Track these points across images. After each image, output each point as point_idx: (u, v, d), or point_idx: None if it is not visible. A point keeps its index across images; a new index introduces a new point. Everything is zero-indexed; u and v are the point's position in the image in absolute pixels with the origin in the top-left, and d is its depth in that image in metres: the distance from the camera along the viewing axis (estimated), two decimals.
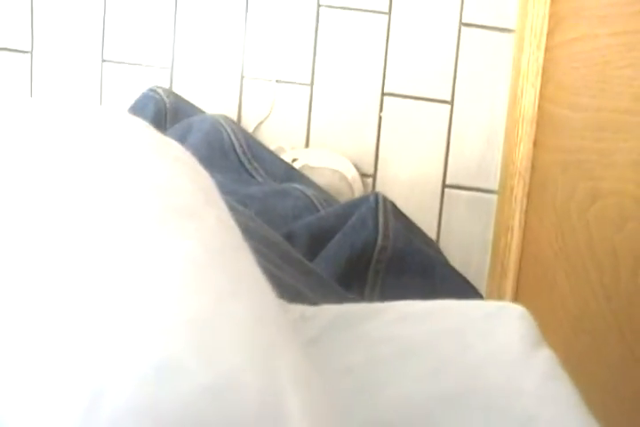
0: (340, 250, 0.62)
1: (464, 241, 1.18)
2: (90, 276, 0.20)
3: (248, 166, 0.78)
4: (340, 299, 0.52)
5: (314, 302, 0.46)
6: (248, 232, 0.48)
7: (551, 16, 0.99)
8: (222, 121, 0.82)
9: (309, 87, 1.16)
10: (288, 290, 0.45)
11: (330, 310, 0.34)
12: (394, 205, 0.68)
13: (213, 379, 0.18)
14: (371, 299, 0.60)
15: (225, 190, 0.70)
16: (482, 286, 1.15)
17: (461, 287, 0.67)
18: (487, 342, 0.32)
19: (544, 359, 0.32)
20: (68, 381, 0.17)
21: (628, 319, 0.71)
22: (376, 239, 0.62)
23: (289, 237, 0.63)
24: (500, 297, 1.07)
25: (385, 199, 0.66)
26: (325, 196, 0.77)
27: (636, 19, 0.75)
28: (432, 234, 1.17)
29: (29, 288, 0.19)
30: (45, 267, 0.20)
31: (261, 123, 1.16)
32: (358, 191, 1.11)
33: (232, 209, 0.51)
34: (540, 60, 1.01)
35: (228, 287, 0.22)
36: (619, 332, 0.73)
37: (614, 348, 0.74)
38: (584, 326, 0.81)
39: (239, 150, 0.79)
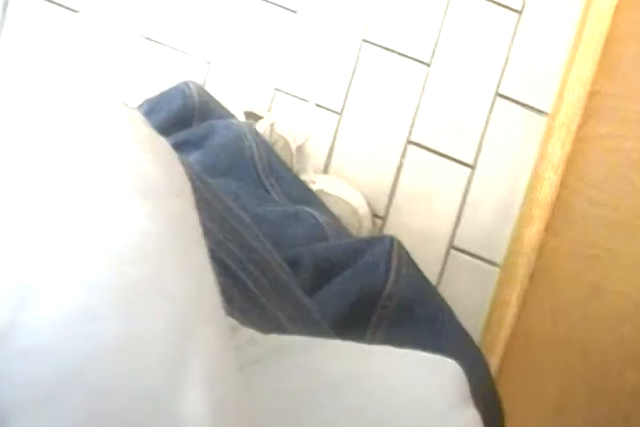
0: (348, 289, 0.61)
1: (459, 306, 1.17)
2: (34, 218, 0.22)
3: (265, 182, 0.77)
4: (323, 335, 0.52)
5: (291, 333, 0.46)
6: (246, 250, 0.48)
7: (586, 108, 1.01)
8: (247, 131, 0.81)
9: (338, 116, 1.17)
10: (268, 318, 0.45)
11: (276, 339, 0.35)
12: (408, 254, 0.67)
13: (125, 331, 0.20)
14: (370, 344, 0.60)
15: (239, 203, 0.70)
16: None
17: (465, 346, 0.66)
18: (413, 391, 0.33)
19: (467, 418, 0.33)
20: None
21: (608, 420, 0.72)
22: (385, 284, 0.61)
23: (294, 262, 0.62)
24: None
25: (400, 245, 0.66)
26: (338, 225, 0.76)
27: None
28: None
29: None
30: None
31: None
32: (366, 229, 1.11)
33: (238, 220, 0.51)
34: (567, 149, 1.03)
35: (168, 260, 0.23)
36: None
37: None
38: (562, 418, 0.82)
39: (259, 164, 0.78)
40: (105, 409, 0.18)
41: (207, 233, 0.28)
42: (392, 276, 0.62)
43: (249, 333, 0.35)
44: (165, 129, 0.84)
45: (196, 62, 1.17)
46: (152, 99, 0.92)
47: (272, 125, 1.04)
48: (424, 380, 0.34)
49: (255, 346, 0.34)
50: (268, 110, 1.17)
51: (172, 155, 0.30)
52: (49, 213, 0.22)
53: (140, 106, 0.92)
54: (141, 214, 0.24)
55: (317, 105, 1.17)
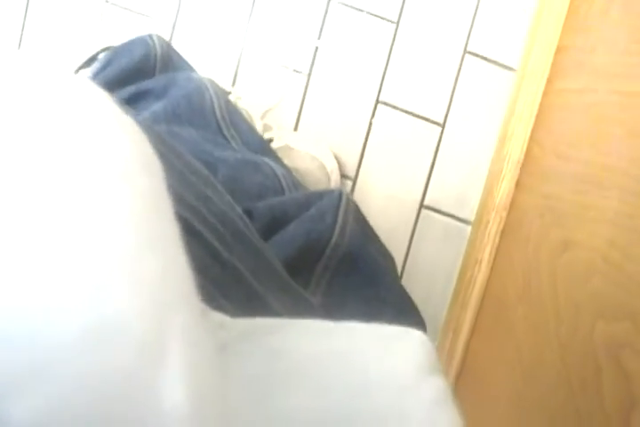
0: (294, 238, 0.62)
1: (431, 264, 1.19)
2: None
3: (225, 131, 0.78)
4: (283, 288, 0.53)
5: (252, 287, 0.47)
6: (207, 203, 0.48)
7: (554, 63, 1.01)
8: (208, 84, 0.81)
9: (307, 77, 1.16)
10: (230, 273, 0.46)
11: (244, 322, 0.35)
12: (357, 208, 0.68)
13: (97, 318, 0.19)
14: (314, 293, 0.62)
15: (198, 148, 0.71)
16: (441, 314, 1.17)
17: (403, 303, 0.67)
18: (382, 365, 0.33)
19: (435, 387, 0.33)
20: None
21: (578, 375, 0.73)
22: (332, 235, 0.63)
23: (249, 213, 0.63)
24: (456, 328, 1.09)
25: (349, 199, 0.67)
26: (294, 179, 0.77)
27: (635, 82, 0.76)
28: (401, 250, 1.18)
29: None
30: None
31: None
32: (335, 184, 1.11)
33: (196, 173, 0.51)
34: (536, 104, 1.02)
35: (142, 243, 0.23)
36: (567, 385, 0.74)
37: (560, 400, 0.75)
38: (535, 373, 0.83)
39: (219, 114, 0.79)
40: (81, 400, 0.18)
41: (168, 189, 0.27)
42: (338, 227, 0.63)
43: (218, 317, 0.34)
44: (126, 77, 0.84)
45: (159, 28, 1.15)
46: (115, 47, 0.92)
47: (237, 100, 1.02)
48: (391, 353, 0.34)
49: (223, 331, 0.33)
50: (234, 76, 1.15)
51: (138, 131, 0.29)
52: (22, 192, 0.21)
53: (104, 54, 0.92)
54: (114, 195, 0.23)
55: (285, 66, 1.15)
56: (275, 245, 0.61)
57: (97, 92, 0.29)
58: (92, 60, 0.98)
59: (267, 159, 0.76)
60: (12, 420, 0.17)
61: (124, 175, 0.24)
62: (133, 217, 0.23)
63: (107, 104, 0.28)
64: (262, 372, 0.32)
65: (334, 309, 0.60)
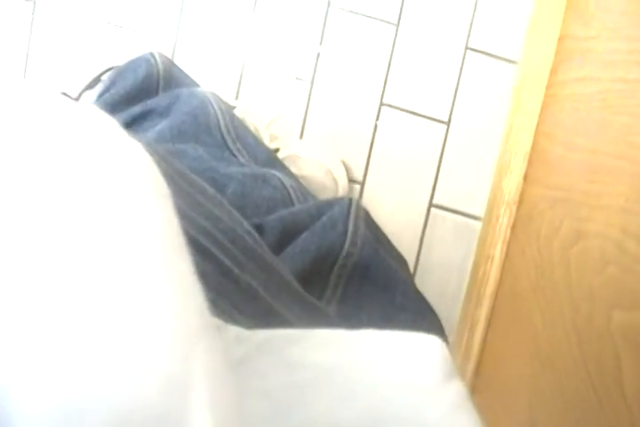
0: (307, 249, 0.62)
1: (443, 263, 1.19)
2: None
3: (231, 146, 0.78)
4: (297, 300, 0.53)
5: (266, 302, 0.47)
6: (213, 221, 0.48)
7: (557, 54, 1.00)
8: (211, 98, 0.81)
9: (310, 84, 1.16)
10: (243, 289, 0.46)
11: (259, 334, 0.35)
12: (367, 214, 0.68)
13: (121, 358, 0.19)
14: (329, 302, 0.62)
15: (205, 165, 0.71)
16: (455, 312, 1.16)
17: (419, 306, 0.67)
18: (401, 372, 0.33)
19: (454, 391, 0.33)
20: None
21: (596, 363, 0.72)
22: (343, 244, 0.63)
23: (260, 228, 0.63)
24: (472, 325, 1.08)
25: (359, 206, 0.67)
26: (303, 189, 0.77)
27: (639, 68, 0.76)
28: (412, 251, 1.17)
29: None
30: None
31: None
32: (343, 189, 1.11)
33: (202, 192, 0.52)
34: (541, 96, 1.02)
35: (156, 273, 0.22)
36: (586, 374, 0.73)
37: (579, 389, 0.74)
38: (552, 364, 0.82)
39: (224, 129, 0.78)
40: None
41: (176, 210, 0.27)
42: (349, 235, 0.63)
43: (234, 331, 0.35)
44: (130, 97, 0.85)
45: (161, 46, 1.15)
46: (118, 67, 0.92)
47: (244, 113, 1.03)
48: (408, 360, 0.34)
49: (240, 345, 0.33)
50: (238, 87, 1.15)
51: (146, 157, 0.29)
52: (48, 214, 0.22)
53: (107, 74, 0.92)
54: (130, 225, 0.23)
55: (287, 75, 1.15)
56: (288, 257, 0.61)
57: (103, 119, 0.29)
58: (96, 81, 0.99)
59: (275, 171, 0.76)
60: None
61: (138, 206, 0.25)
62: (150, 247, 0.23)
63: (114, 131, 0.28)
64: (282, 384, 0.32)
65: (351, 317, 0.60)
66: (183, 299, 0.23)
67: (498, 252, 1.06)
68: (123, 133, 0.29)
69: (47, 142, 0.25)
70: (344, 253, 0.62)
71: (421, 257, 1.18)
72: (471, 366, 1.06)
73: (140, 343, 0.19)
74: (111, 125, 0.29)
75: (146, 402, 0.18)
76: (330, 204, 0.67)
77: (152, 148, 0.46)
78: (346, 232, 0.63)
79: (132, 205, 0.24)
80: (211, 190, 0.54)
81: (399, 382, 0.33)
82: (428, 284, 1.18)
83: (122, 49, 1.15)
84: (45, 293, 0.19)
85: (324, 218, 0.64)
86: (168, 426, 0.18)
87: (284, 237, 0.64)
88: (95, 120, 0.28)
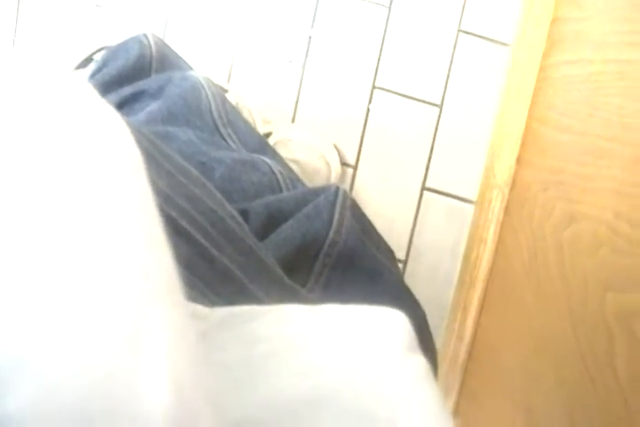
0: (291, 236, 0.62)
1: (436, 246, 1.19)
2: None
3: (222, 130, 0.77)
4: (276, 284, 0.53)
5: (243, 284, 0.47)
6: (194, 202, 0.48)
7: (549, 36, 1.00)
8: (204, 82, 0.80)
9: (301, 67, 1.16)
10: (219, 270, 0.46)
11: (221, 311, 0.35)
12: (354, 203, 0.68)
13: (76, 311, 0.19)
14: (312, 290, 0.62)
15: (195, 149, 0.71)
16: (448, 295, 1.16)
17: (402, 297, 0.67)
18: (363, 345, 0.33)
19: (416, 365, 0.34)
20: None
21: (590, 345, 0.72)
22: (328, 232, 0.63)
23: (246, 213, 0.63)
24: (465, 308, 1.09)
25: (346, 195, 0.67)
26: (293, 176, 0.77)
27: (631, 49, 0.75)
28: (405, 234, 1.18)
29: None
30: None
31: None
32: (336, 173, 1.10)
33: (185, 174, 0.51)
34: (533, 79, 1.02)
35: (125, 236, 0.22)
36: (579, 356, 0.74)
37: (573, 371, 0.75)
38: (546, 346, 0.83)
39: (215, 113, 0.78)
40: (61, 395, 0.17)
41: (155, 190, 0.27)
42: (335, 224, 0.63)
43: (199, 310, 0.34)
44: (123, 78, 0.84)
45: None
46: (110, 47, 0.91)
47: (237, 98, 1.02)
48: (371, 334, 0.34)
49: (200, 321, 0.33)
50: (230, 70, 1.14)
51: (123, 128, 0.29)
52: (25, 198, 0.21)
53: (99, 54, 0.91)
54: (98, 197, 0.23)
55: (279, 58, 1.15)
56: (272, 244, 0.61)
57: (84, 89, 0.28)
58: (88, 60, 0.98)
59: (264, 157, 0.75)
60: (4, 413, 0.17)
61: (110, 176, 0.24)
62: (116, 215, 0.23)
63: (92, 101, 0.28)
64: (243, 357, 0.32)
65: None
66: (149, 258, 0.23)
67: (491, 235, 1.07)
68: (97, 98, 0.28)
69: (17, 106, 0.25)
70: (328, 241, 0.62)
71: (414, 240, 1.18)
72: (464, 349, 1.07)
73: (96, 294, 0.19)
74: (85, 90, 0.28)
75: (98, 358, 0.18)
76: (317, 192, 0.67)
77: (136, 126, 0.45)
78: (331, 221, 0.63)
79: (107, 172, 0.24)
80: (195, 173, 0.53)
81: (361, 355, 0.33)
82: (420, 267, 1.18)
83: (113, 29, 1.14)
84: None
85: (310, 206, 0.64)
86: (121, 381, 0.18)
87: (270, 224, 0.64)
88: (69, 84, 0.28)
